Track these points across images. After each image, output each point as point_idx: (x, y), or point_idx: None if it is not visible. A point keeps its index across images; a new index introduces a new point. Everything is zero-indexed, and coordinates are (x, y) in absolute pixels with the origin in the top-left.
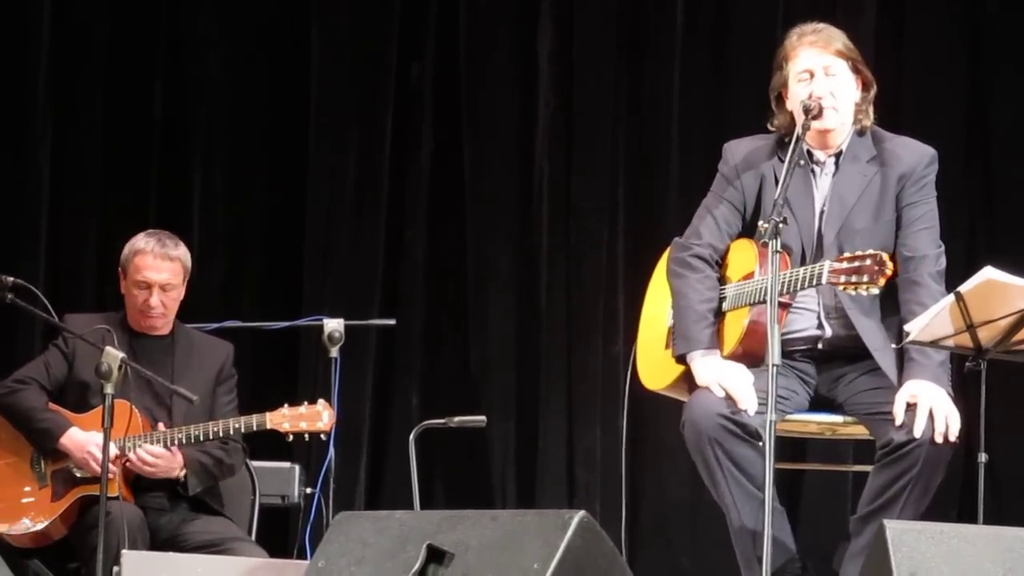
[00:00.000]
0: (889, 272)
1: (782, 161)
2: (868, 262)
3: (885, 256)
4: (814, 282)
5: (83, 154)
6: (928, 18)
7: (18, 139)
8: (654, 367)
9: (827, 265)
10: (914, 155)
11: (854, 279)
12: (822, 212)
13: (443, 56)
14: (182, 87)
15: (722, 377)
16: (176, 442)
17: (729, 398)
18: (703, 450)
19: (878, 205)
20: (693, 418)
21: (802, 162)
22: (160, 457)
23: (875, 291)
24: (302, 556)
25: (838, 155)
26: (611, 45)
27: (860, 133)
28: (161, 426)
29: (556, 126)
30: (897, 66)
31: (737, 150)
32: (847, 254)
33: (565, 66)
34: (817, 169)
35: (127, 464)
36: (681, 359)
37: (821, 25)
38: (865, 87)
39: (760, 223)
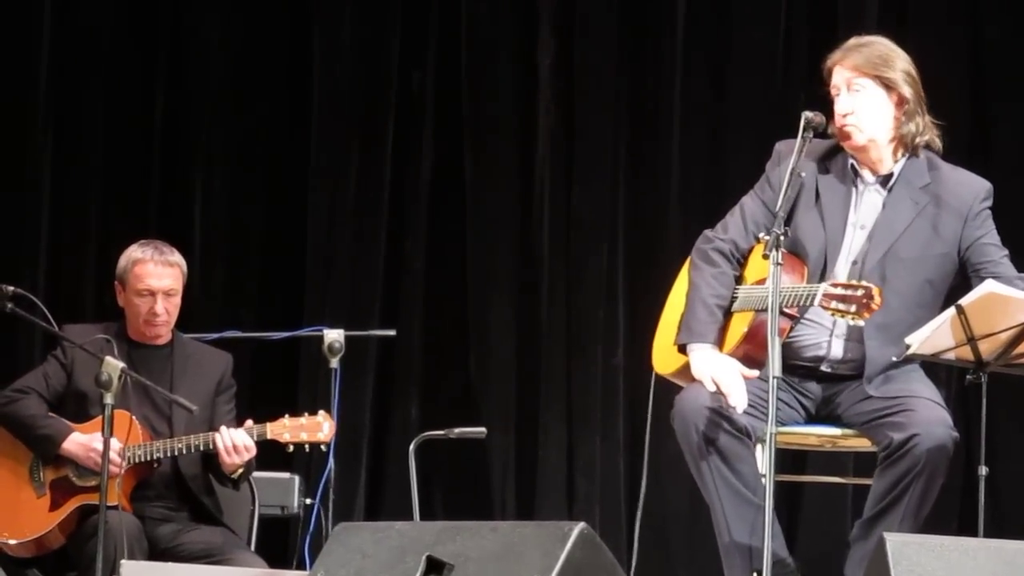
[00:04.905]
0: (876, 307)
1: (827, 171)
2: (859, 293)
3: (875, 291)
4: (809, 302)
5: (84, 162)
6: (929, 30)
7: (19, 147)
8: (664, 351)
9: (821, 288)
10: (970, 191)
11: (842, 307)
12: (869, 233)
13: (444, 65)
14: (183, 95)
15: (715, 372)
16: (177, 452)
17: (720, 394)
18: (690, 442)
19: (929, 237)
20: (682, 410)
21: (804, 174)
22: (249, 450)
23: (860, 323)
24: (301, 567)
25: (887, 177)
26: (612, 55)
27: (914, 155)
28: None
29: (557, 136)
30: None
31: (783, 151)
32: (842, 281)
33: (566, 76)
34: (860, 186)
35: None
36: (682, 348)
37: (866, 39)
38: (900, 104)
39: (760, 235)
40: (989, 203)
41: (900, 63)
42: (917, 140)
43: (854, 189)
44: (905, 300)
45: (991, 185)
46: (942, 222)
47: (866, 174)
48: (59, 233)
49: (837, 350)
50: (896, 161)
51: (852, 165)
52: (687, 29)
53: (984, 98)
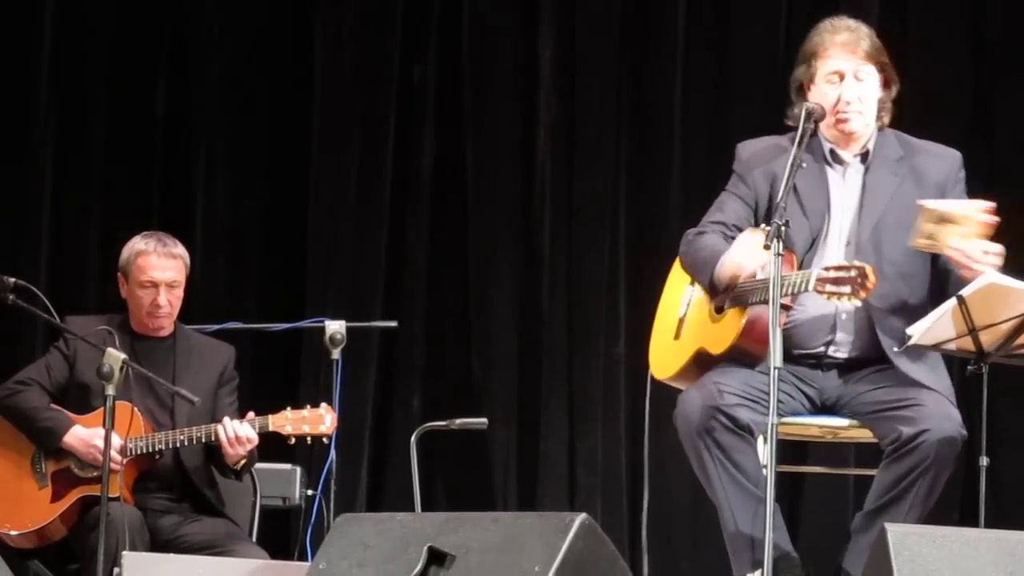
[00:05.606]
0: (871, 286)
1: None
2: (853, 273)
3: (869, 270)
4: (804, 288)
5: (86, 154)
6: (931, 16)
7: (21, 139)
8: (662, 356)
9: (814, 273)
10: (945, 163)
11: (836, 289)
12: (856, 210)
13: (445, 58)
14: (185, 89)
15: (736, 260)
16: (179, 444)
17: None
18: (694, 441)
19: (912, 207)
20: (684, 410)
21: (804, 165)
22: (251, 442)
23: (857, 303)
24: (303, 558)
25: (864, 154)
26: (613, 46)
27: (880, 130)
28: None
29: (558, 128)
30: (900, 62)
31: (748, 149)
32: (834, 264)
33: (567, 68)
34: (840, 167)
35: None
36: (717, 294)
37: (853, 23)
38: (887, 85)
39: (762, 226)
40: (963, 173)
41: (879, 43)
42: (886, 119)
43: (831, 172)
44: (899, 269)
45: (960, 154)
46: (922, 193)
47: (844, 155)
48: (61, 225)
49: (843, 332)
50: (869, 138)
51: (831, 149)
52: (688, 23)
53: (986, 82)
